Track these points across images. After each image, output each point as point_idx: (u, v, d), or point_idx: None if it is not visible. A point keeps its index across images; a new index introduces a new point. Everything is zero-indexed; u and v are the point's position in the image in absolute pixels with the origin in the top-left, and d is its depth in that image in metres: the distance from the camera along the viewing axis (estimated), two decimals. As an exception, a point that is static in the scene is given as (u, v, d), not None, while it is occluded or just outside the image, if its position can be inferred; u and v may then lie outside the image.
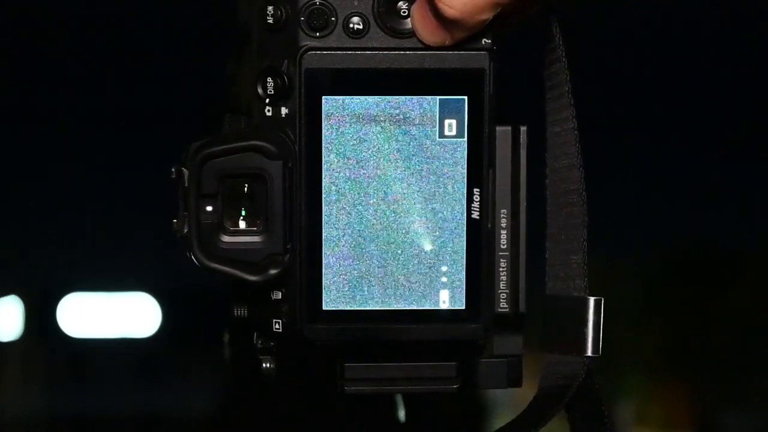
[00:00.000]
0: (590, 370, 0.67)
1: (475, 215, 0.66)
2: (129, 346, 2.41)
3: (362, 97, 0.65)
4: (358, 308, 0.66)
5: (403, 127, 0.65)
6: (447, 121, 0.65)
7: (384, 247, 0.66)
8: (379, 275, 0.66)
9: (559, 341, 0.68)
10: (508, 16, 0.65)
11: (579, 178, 0.67)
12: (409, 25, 0.65)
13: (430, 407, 0.79)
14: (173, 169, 0.64)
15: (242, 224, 0.65)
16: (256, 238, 0.65)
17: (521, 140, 0.68)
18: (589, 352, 0.67)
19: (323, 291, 0.66)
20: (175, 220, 0.65)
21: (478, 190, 0.66)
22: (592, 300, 0.67)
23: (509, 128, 0.68)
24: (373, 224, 0.66)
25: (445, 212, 0.66)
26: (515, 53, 0.68)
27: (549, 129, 0.69)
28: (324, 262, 0.66)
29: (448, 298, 0.66)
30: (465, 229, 0.66)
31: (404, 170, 0.66)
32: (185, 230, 0.64)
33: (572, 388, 0.67)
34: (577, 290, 0.68)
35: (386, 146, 0.65)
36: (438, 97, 0.65)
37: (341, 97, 0.65)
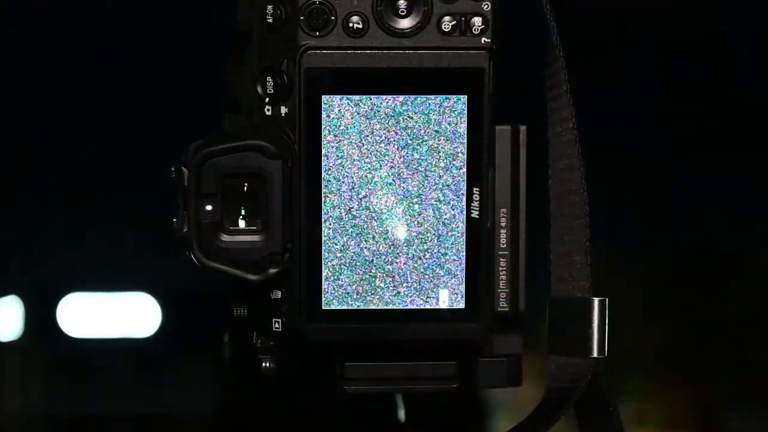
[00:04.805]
0: (596, 371, 0.67)
1: (475, 214, 0.66)
2: (129, 346, 2.41)
3: (362, 97, 0.65)
4: (357, 308, 0.66)
5: (402, 126, 0.65)
6: (447, 121, 0.65)
7: (383, 247, 0.66)
8: (379, 275, 0.66)
9: (564, 343, 0.68)
10: None
11: (580, 179, 0.67)
12: (408, 24, 0.65)
13: (430, 407, 0.78)
14: (173, 169, 0.65)
15: (242, 223, 0.65)
16: (255, 238, 0.65)
17: (521, 140, 0.68)
18: (595, 353, 0.67)
19: (323, 290, 0.66)
20: (174, 220, 0.65)
21: (477, 189, 0.66)
22: (596, 301, 0.67)
23: (509, 128, 0.68)
24: (372, 223, 0.66)
25: (444, 211, 0.66)
26: (515, 53, 0.68)
27: (550, 129, 0.69)
28: (323, 261, 0.66)
29: (447, 298, 0.66)
30: (465, 228, 0.66)
31: (404, 169, 0.66)
32: (185, 230, 0.64)
33: (578, 390, 0.67)
34: (581, 291, 0.68)
35: (386, 145, 0.65)
36: (438, 97, 0.65)
37: (341, 96, 0.65)
